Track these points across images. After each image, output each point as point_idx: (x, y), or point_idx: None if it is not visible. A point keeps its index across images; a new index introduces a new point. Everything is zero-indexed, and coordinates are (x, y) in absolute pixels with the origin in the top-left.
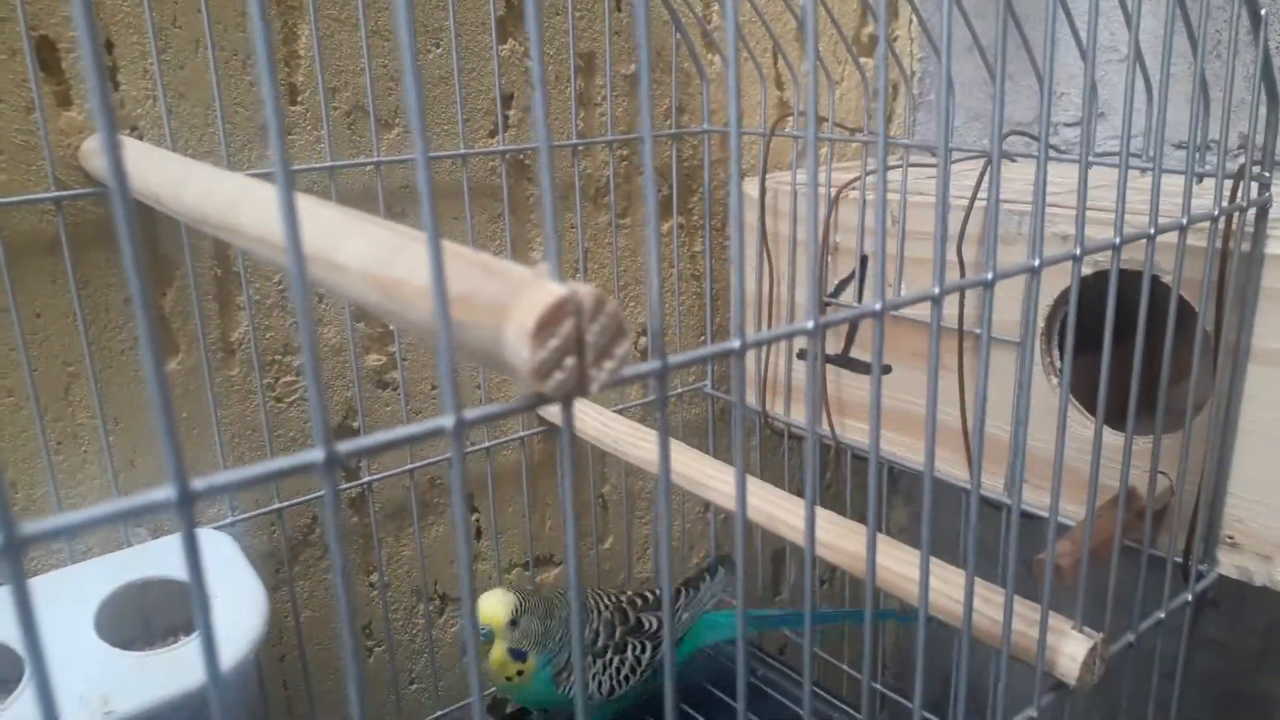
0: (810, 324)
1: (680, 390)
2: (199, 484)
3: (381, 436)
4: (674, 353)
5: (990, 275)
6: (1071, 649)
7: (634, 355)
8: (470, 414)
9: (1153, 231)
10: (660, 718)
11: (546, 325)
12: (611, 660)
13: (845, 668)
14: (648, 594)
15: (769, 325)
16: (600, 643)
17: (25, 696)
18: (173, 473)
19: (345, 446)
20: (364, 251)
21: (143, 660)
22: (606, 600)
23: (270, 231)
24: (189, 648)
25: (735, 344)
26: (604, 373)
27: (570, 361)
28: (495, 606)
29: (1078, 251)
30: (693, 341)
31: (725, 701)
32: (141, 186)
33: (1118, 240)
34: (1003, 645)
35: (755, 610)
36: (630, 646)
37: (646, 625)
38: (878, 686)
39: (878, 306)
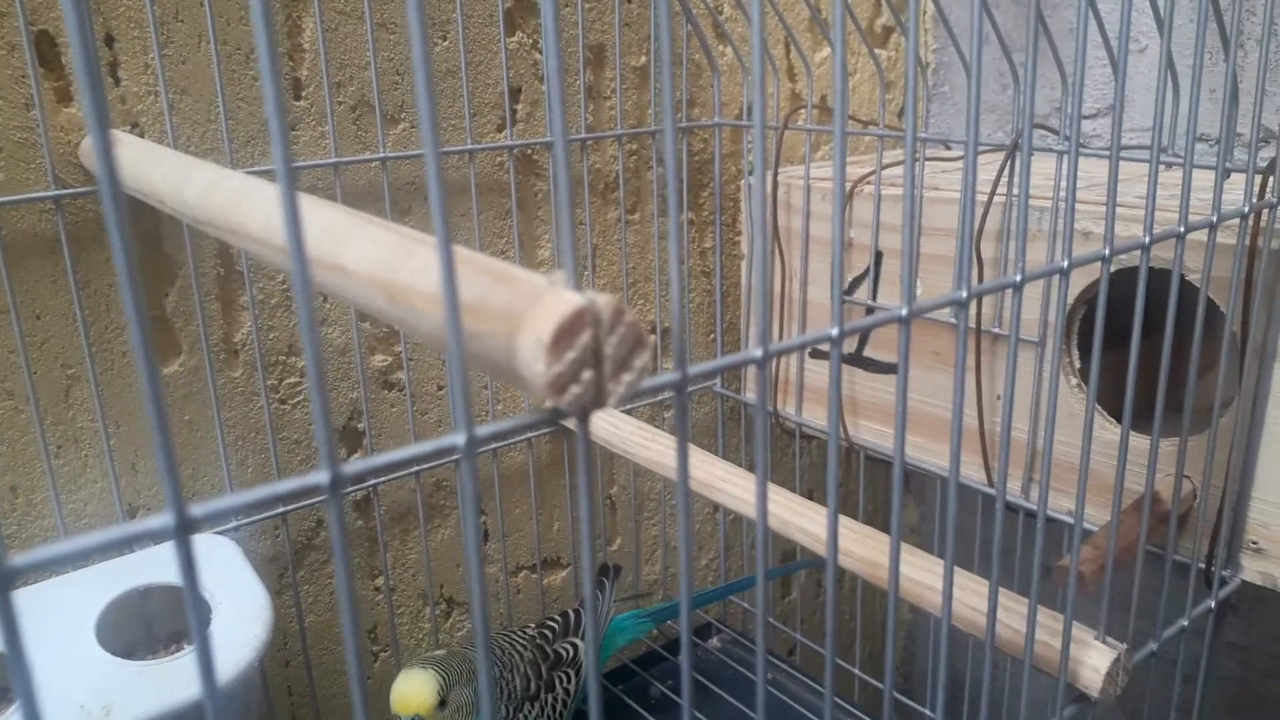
0: (834, 331)
1: (689, 390)
2: (197, 510)
3: (389, 456)
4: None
5: (1019, 277)
6: (1094, 660)
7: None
8: (482, 431)
9: (1182, 230)
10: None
11: (563, 337)
12: (547, 700)
13: (857, 671)
14: (551, 623)
15: (781, 323)
16: (533, 687)
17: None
18: (171, 500)
19: (351, 467)
20: (370, 255)
21: (145, 669)
22: (521, 641)
23: (273, 234)
24: (192, 657)
25: (758, 354)
26: (622, 385)
27: (587, 375)
28: (419, 691)
29: (1107, 252)
30: (703, 339)
31: (715, 691)
32: (142, 185)
33: (1147, 239)
34: (1025, 656)
35: (654, 606)
36: (558, 680)
37: (564, 655)
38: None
39: (904, 312)
